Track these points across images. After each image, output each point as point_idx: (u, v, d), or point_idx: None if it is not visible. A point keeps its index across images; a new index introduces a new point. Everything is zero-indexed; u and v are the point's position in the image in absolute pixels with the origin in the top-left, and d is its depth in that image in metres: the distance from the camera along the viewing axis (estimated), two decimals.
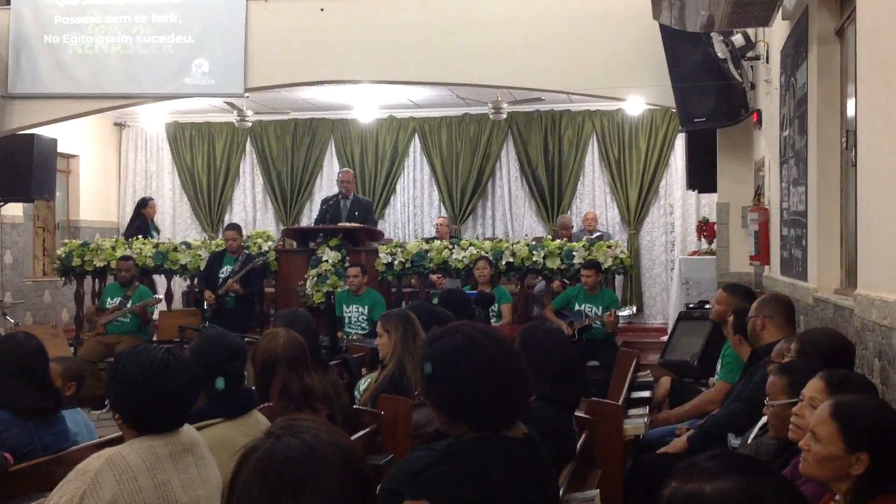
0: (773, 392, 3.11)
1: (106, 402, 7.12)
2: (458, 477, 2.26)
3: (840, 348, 3.46)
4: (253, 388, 3.61)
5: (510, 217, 12.85)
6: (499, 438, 2.34)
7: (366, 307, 8.69)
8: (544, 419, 3.10)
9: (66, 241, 10.43)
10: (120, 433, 2.76)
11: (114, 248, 9.87)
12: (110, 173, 13.81)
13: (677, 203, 12.32)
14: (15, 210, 11.63)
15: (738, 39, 7.19)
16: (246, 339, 5.50)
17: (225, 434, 3.04)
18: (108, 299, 9.20)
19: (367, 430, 4.15)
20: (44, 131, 10.48)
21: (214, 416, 3.11)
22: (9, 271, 11.64)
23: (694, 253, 10.93)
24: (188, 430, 2.66)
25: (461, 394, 2.31)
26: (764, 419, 3.36)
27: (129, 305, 9.00)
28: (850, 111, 4.49)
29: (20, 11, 10.40)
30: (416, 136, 13.09)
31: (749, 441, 3.61)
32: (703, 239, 10.80)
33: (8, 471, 3.39)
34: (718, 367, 5.31)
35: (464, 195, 12.77)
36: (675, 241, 12.34)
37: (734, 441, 4.03)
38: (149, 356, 2.58)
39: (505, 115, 11.63)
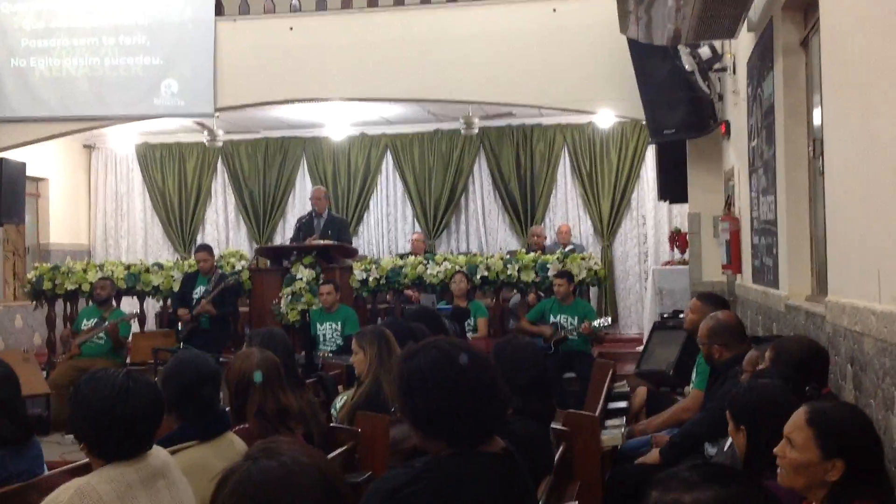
0: None
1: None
2: (436, 494, 2.25)
3: (814, 356, 3.49)
4: (227, 409, 3.58)
5: (484, 231, 12.86)
6: (476, 454, 2.33)
7: (339, 323, 8.66)
8: (520, 433, 3.10)
9: (37, 265, 10.31)
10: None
11: (85, 271, 9.77)
12: (80, 196, 13.68)
13: (649, 214, 12.37)
14: None
15: (704, 52, 7.26)
16: (221, 359, 5.47)
17: (198, 457, 3.01)
18: (84, 321, 9.01)
19: (345, 447, 4.13)
20: (12, 155, 10.39)
21: (187, 439, 3.07)
22: None
23: (667, 263, 10.99)
24: (158, 452, 2.62)
25: (437, 410, 2.31)
26: None
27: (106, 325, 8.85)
28: (817, 120, 4.55)
29: None
30: (389, 152, 13.08)
31: (725, 449, 3.63)
32: (675, 249, 10.87)
33: None
34: (694, 375, 5.34)
35: (437, 210, 12.77)
36: (648, 252, 12.38)
37: (710, 449, 4.05)
38: (108, 382, 2.53)
39: (476, 131, 11.67)
